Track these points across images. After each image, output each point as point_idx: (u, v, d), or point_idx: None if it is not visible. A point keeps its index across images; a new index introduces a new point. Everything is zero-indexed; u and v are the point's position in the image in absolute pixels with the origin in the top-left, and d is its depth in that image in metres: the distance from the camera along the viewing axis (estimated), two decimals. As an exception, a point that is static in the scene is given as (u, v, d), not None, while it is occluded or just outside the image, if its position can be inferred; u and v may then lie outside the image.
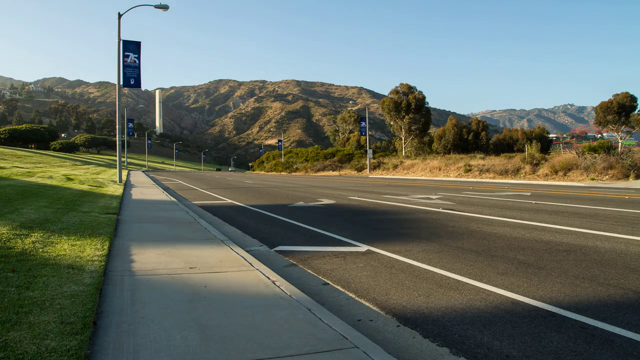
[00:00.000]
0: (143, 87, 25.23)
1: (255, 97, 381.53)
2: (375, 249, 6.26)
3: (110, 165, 65.25)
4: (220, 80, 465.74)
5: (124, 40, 21.00)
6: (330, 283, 4.70)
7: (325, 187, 21.89)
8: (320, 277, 4.92)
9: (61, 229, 6.54)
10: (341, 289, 4.48)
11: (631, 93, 51.28)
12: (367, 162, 47.59)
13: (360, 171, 49.92)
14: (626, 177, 24.05)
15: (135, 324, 3.11)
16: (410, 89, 59.65)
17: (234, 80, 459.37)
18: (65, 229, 6.51)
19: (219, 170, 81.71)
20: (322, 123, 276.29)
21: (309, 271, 5.19)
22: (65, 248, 5.20)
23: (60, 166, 41.77)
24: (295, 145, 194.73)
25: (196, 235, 6.95)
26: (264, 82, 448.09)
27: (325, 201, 13.87)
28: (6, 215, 7.37)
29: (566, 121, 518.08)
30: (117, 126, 22.49)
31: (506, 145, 60.18)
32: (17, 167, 31.48)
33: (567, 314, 3.61)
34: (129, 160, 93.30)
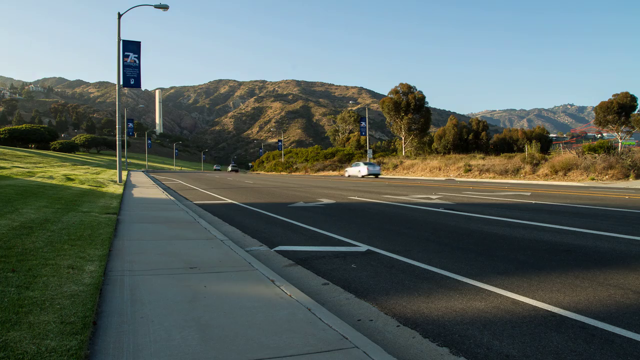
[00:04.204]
0: (143, 87, 25.25)
1: (255, 97, 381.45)
2: (375, 249, 6.26)
3: (110, 165, 65.26)
4: (220, 80, 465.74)
5: (124, 40, 21.00)
6: (330, 283, 4.70)
7: (325, 187, 21.88)
8: (320, 277, 4.92)
9: (61, 228, 6.54)
10: (341, 289, 4.48)
11: (631, 93, 51.32)
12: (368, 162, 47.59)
13: (360, 171, 49.90)
14: (626, 177, 24.05)
15: (135, 324, 3.11)
16: (410, 89, 59.64)
17: (234, 80, 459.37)
18: (65, 229, 6.51)
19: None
20: (322, 123, 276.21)
21: (309, 271, 5.19)
22: (65, 248, 5.20)
23: (60, 166, 41.77)
24: (295, 145, 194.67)
25: (196, 235, 6.95)
26: (264, 82, 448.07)
27: (325, 201, 13.87)
28: (6, 215, 7.38)
29: (566, 121, 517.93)
30: (117, 126, 22.49)
31: (506, 145, 60.22)
32: (17, 167, 31.49)
33: (567, 314, 3.61)
34: (129, 160, 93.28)
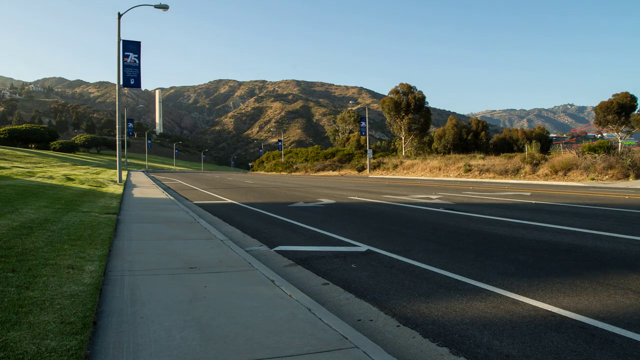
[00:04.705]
0: (143, 87, 25.24)
1: (255, 97, 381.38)
2: (375, 249, 6.26)
3: (110, 165, 65.24)
4: (220, 80, 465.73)
5: (124, 40, 20.99)
6: (330, 283, 4.70)
7: (325, 187, 21.88)
8: (321, 277, 4.92)
9: (61, 228, 6.54)
10: (341, 289, 4.47)
11: (631, 93, 51.24)
12: (367, 162, 47.59)
13: (361, 171, 49.92)
14: (626, 177, 24.05)
15: (135, 324, 3.11)
16: (410, 89, 59.62)
17: (234, 80, 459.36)
18: (65, 229, 6.51)
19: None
20: (322, 123, 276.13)
21: (309, 271, 5.19)
22: (65, 248, 5.20)
23: (61, 166, 41.76)
24: (295, 145, 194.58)
25: (196, 235, 6.95)
26: (264, 82, 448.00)
27: (325, 201, 13.87)
28: (6, 215, 7.38)
29: (566, 121, 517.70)
30: (117, 126, 22.48)
31: (506, 145, 60.15)
32: (17, 167, 31.48)
33: (567, 313, 3.61)
34: (129, 160, 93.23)
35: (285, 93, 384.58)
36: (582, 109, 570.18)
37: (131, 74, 21.01)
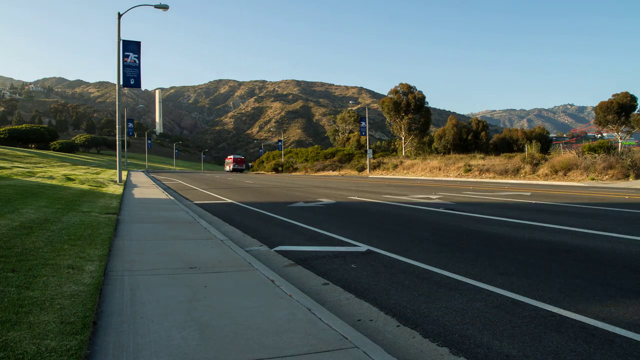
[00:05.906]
0: (143, 87, 25.23)
1: (255, 97, 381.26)
2: (376, 249, 6.26)
3: (110, 165, 65.22)
4: (220, 80, 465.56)
5: (124, 40, 20.99)
6: (330, 283, 4.69)
7: (325, 187, 21.88)
8: (320, 277, 4.92)
9: (61, 228, 6.55)
10: (341, 289, 4.47)
11: (631, 93, 51.23)
12: (367, 162, 47.58)
13: (361, 171, 49.91)
14: (626, 177, 24.05)
15: (135, 323, 3.11)
16: (410, 89, 59.62)
17: (234, 80, 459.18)
18: (65, 229, 6.51)
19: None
20: (322, 123, 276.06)
21: (309, 271, 5.19)
22: (65, 248, 5.20)
23: (61, 166, 41.76)
24: (295, 145, 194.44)
25: (196, 235, 6.95)
26: (264, 82, 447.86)
27: (325, 201, 13.87)
28: (6, 215, 7.38)
29: (566, 121, 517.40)
30: (117, 126, 22.48)
31: (506, 145, 60.15)
32: (17, 167, 31.48)
33: (567, 314, 3.61)
34: (129, 160, 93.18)
35: (285, 93, 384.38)
36: (582, 109, 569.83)
37: (131, 74, 21.01)
